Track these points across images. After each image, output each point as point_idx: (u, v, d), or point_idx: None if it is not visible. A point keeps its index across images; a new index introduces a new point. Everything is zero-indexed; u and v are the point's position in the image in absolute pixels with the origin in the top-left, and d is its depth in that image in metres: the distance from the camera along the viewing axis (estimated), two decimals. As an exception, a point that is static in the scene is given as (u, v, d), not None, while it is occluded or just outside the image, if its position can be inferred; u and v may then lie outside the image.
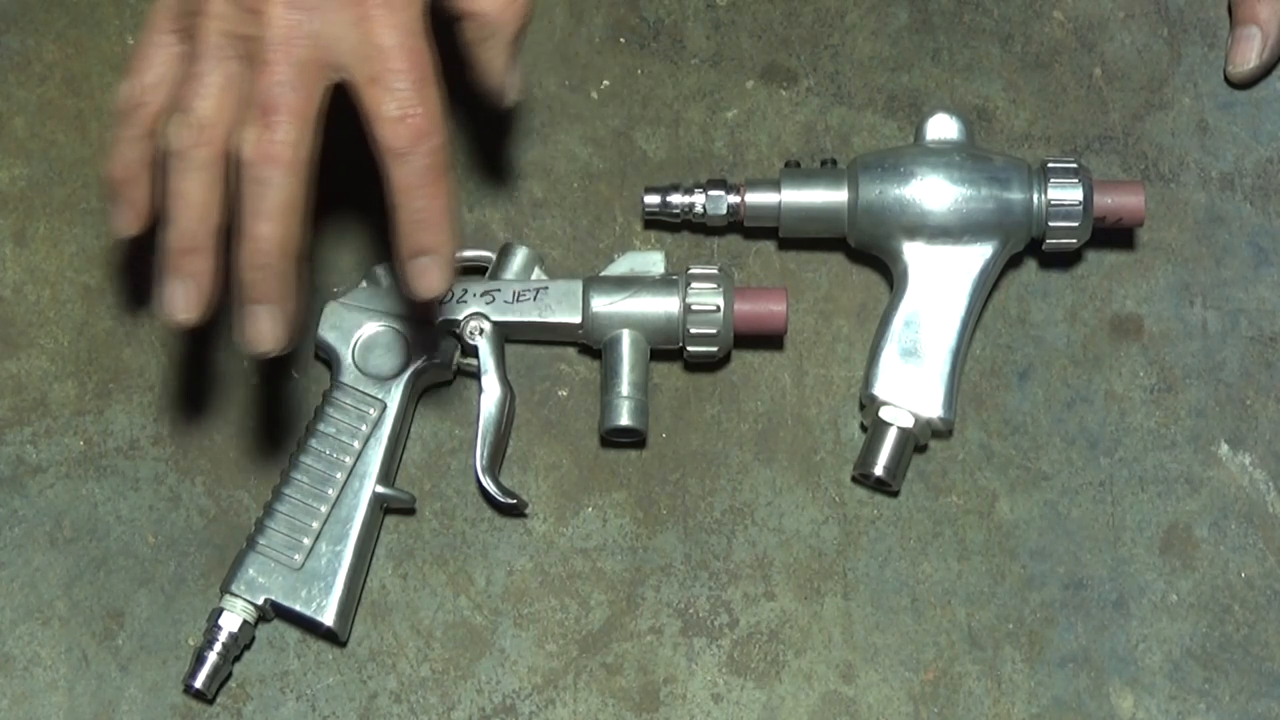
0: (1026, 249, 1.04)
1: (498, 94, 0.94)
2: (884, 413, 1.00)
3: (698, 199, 1.04)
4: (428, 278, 0.88)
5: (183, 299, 0.87)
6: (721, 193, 1.03)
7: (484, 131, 1.07)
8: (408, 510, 1.01)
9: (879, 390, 1.01)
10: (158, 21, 0.88)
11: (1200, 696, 1.00)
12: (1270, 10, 1.06)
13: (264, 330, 0.87)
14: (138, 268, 1.04)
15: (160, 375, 1.03)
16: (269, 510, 0.98)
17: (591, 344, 1.02)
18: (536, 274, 1.02)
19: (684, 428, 1.03)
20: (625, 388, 1.00)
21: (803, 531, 1.02)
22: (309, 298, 1.02)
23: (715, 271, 1.01)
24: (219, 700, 0.98)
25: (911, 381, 1.01)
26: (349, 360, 1.00)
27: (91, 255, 1.04)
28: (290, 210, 0.84)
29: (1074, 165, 1.02)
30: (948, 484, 1.02)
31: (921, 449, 1.02)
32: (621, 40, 1.08)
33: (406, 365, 1.00)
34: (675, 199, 1.04)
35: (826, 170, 1.04)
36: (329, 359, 1.01)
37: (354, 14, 0.84)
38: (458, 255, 0.91)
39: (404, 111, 0.85)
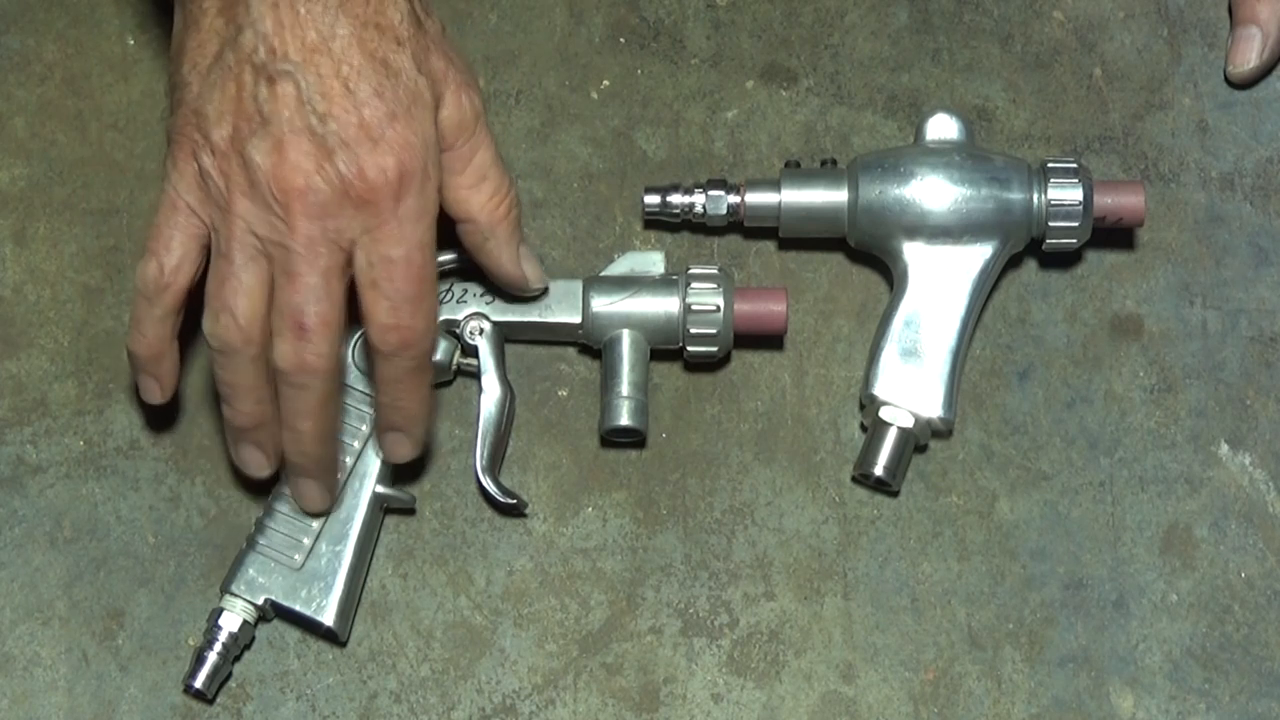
0: (1026, 249, 1.04)
1: (520, 285, 0.98)
2: (884, 413, 1.00)
3: (698, 199, 1.04)
4: (399, 449, 0.97)
5: (257, 460, 0.96)
6: (721, 193, 1.03)
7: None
8: (408, 510, 1.01)
9: (879, 390, 1.01)
10: (177, 203, 0.91)
11: (1200, 696, 1.00)
12: (1270, 10, 1.06)
13: (314, 497, 0.97)
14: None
15: (160, 375, 1.03)
16: (269, 510, 0.98)
17: (591, 344, 1.02)
18: (536, 274, 1.03)
19: (684, 428, 1.03)
20: (625, 388, 1.00)
21: (803, 531, 1.02)
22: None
23: (715, 271, 1.01)
24: (219, 700, 0.98)
25: (911, 381, 1.01)
26: (349, 360, 1.00)
27: (91, 255, 1.04)
28: (326, 405, 0.92)
29: (1074, 165, 1.02)
30: (948, 484, 1.02)
31: (921, 449, 1.02)
32: (621, 40, 1.08)
33: (406, 365, 1.00)
34: (675, 199, 1.04)
35: (826, 170, 1.04)
36: (329, 359, 1.01)
37: (367, 223, 0.89)
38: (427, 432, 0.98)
39: (396, 321, 0.90)
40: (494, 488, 0.99)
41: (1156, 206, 1.06)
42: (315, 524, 0.98)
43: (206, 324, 0.91)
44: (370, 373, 0.95)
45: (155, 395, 0.96)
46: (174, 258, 0.92)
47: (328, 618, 0.97)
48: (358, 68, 0.88)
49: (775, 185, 1.03)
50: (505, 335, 1.02)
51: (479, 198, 0.93)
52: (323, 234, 0.88)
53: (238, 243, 0.89)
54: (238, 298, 0.90)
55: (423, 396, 0.94)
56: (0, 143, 1.06)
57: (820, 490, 1.02)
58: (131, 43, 1.07)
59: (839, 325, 1.05)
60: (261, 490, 1.00)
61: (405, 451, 0.97)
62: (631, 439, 1.01)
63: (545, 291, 1.00)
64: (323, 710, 0.99)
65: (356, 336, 1.00)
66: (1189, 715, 0.99)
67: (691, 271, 1.01)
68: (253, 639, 0.99)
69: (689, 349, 1.01)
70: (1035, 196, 1.01)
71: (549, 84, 1.08)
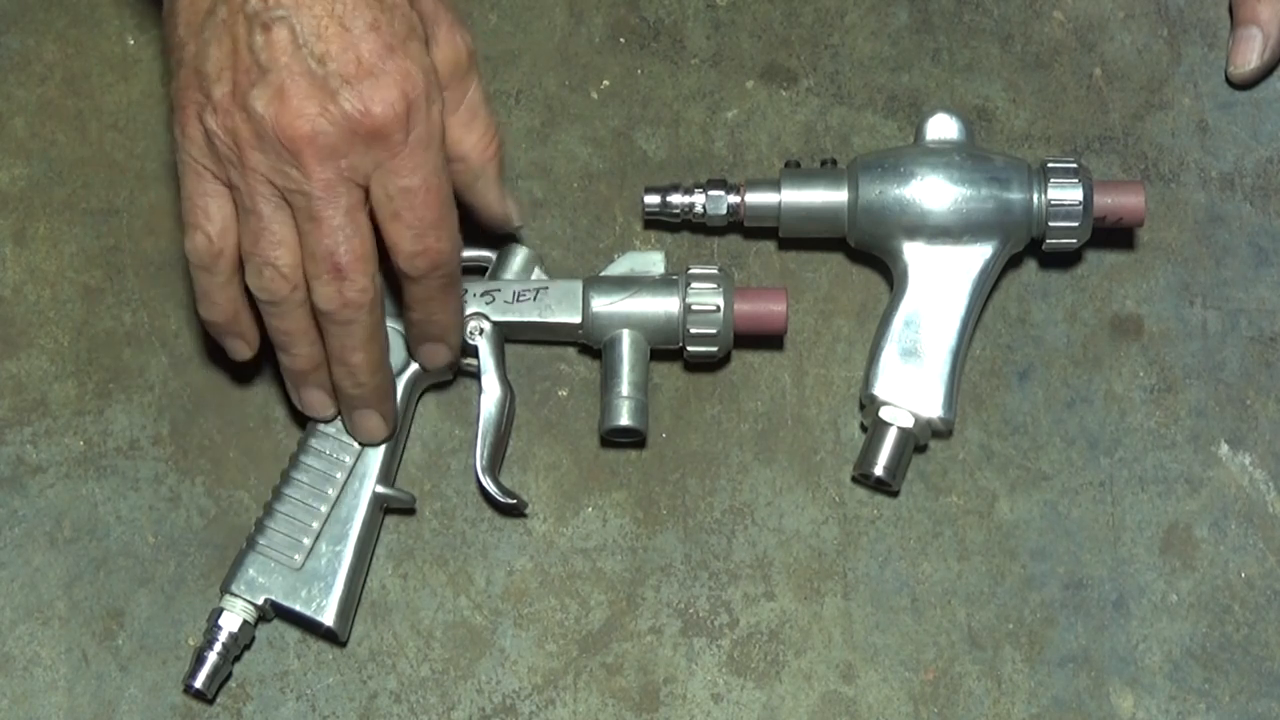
0: (1026, 249, 1.04)
1: (503, 222, 1.00)
2: (884, 413, 1.00)
3: (698, 199, 1.04)
4: (437, 357, 0.98)
5: (321, 401, 0.97)
6: (721, 193, 1.03)
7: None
8: (408, 510, 1.01)
9: (879, 390, 1.01)
10: (197, 169, 0.91)
11: (1200, 696, 1.00)
12: (1271, 11, 1.06)
13: (372, 428, 0.97)
14: (138, 268, 1.04)
15: (160, 375, 1.03)
16: (269, 510, 0.98)
17: (591, 344, 1.02)
18: (536, 274, 1.02)
19: (684, 428, 1.03)
20: (625, 388, 1.00)
21: (803, 531, 1.02)
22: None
23: (715, 271, 1.01)
24: (219, 700, 0.98)
25: (911, 381, 1.01)
26: None
27: (91, 255, 1.04)
28: (374, 335, 0.93)
29: (1074, 165, 1.02)
30: (948, 484, 1.02)
31: (921, 449, 1.02)
32: (621, 40, 1.08)
33: (406, 365, 1.00)
34: (675, 199, 1.04)
35: (826, 170, 1.04)
36: (329, 359, 1.01)
37: (379, 157, 0.89)
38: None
39: (423, 246, 0.91)
40: (494, 488, 0.99)
41: (1156, 206, 1.06)
42: (315, 524, 0.98)
43: (251, 280, 0.91)
44: (397, 294, 0.95)
45: (244, 352, 0.97)
46: (216, 224, 0.91)
47: (328, 618, 0.97)
48: (351, 5, 0.88)
49: (775, 185, 1.03)
50: (505, 335, 1.02)
51: (471, 137, 0.94)
52: (338, 174, 0.88)
53: (260, 196, 0.89)
54: (277, 249, 0.90)
55: (455, 307, 0.96)
56: (0, 143, 1.06)
57: (820, 490, 1.02)
58: (131, 43, 1.07)
59: (839, 325, 1.05)
60: (261, 490, 1.01)
61: (443, 358, 0.98)
62: (631, 439, 1.01)
63: (521, 228, 1.01)
64: (323, 710, 0.99)
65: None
66: (1189, 715, 0.99)
67: (691, 271, 1.01)
68: (253, 639, 0.99)
69: (689, 349, 1.01)
70: (1035, 196, 1.01)
71: (549, 84, 1.08)
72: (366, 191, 0.90)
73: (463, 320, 0.98)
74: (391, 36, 0.88)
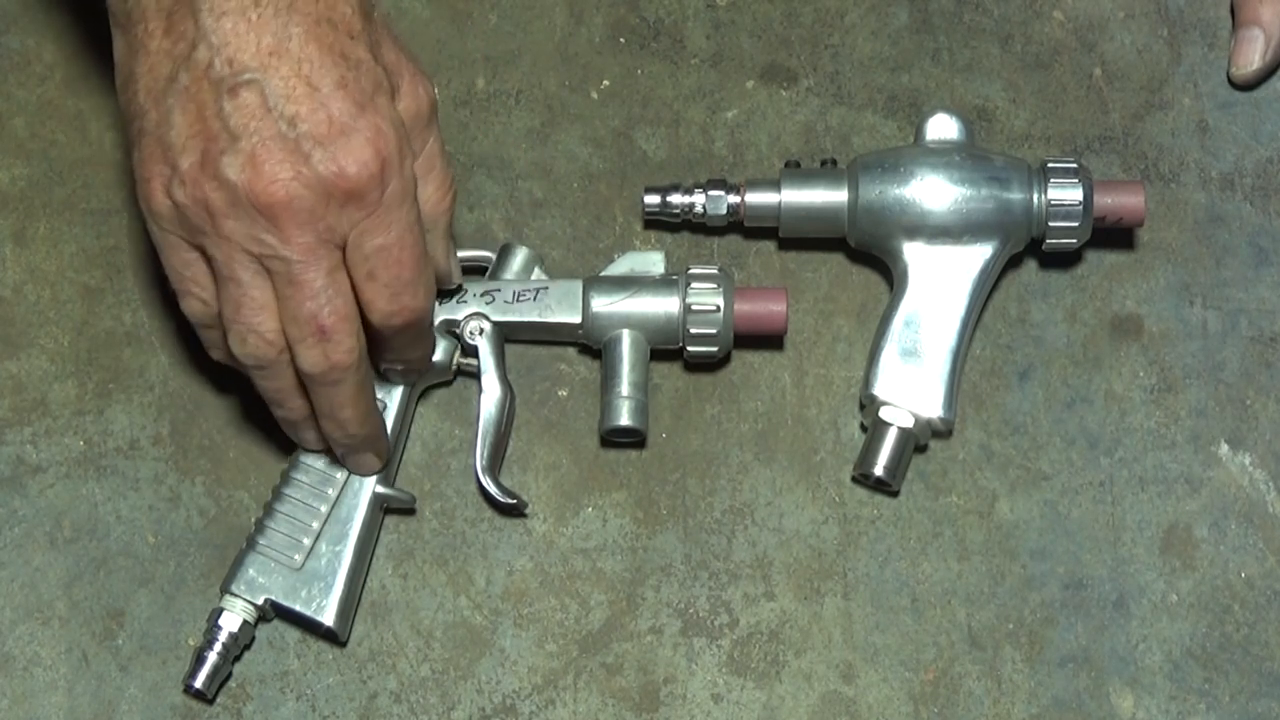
0: (1026, 249, 1.04)
1: (443, 278, 0.98)
2: (884, 413, 1.00)
3: (698, 199, 1.04)
4: (366, 466, 0.98)
5: (319, 439, 0.97)
6: (721, 193, 1.03)
7: (484, 131, 1.07)
8: (408, 510, 1.01)
9: (879, 390, 1.01)
10: (172, 241, 0.90)
11: (1200, 696, 1.00)
12: (1272, 11, 1.06)
13: (370, 464, 0.98)
14: (138, 268, 1.04)
15: (160, 375, 1.03)
16: (269, 510, 0.98)
17: (591, 344, 1.02)
18: (536, 274, 1.02)
19: (684, 428, 1.03)
20: (625, 388, 1.00)
21: (803, 531, 1.02)
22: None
23: (715, 271, 1.01)
24: (219, 700, 0.98)
25: (911, 381, 1.01)
26: None
27: (91, 255, 1.04)
28: (362, 390, 0.93)
29: (1074, 165, 1.02)
30: (948, 484, 1.02)
31: (921, 449, 1.02)
32: (621, 40, 1.08)
33: (406, 365, 1.00)
34: (675, 199, 1.04)
35: (826, 170, 1.04)
36: (329, 359, 1.01)
37: (354, 217, 0.88)
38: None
39: (399, 306, 0.90)
40: (494, 488, 0.99)
41: (1156, 206, 1.06)
42: (315, 524, 0.98)
43: (236, 348, 0.90)
44: (370, 340, 0.94)
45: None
46: (207, 289, 0.91)
47: (328, 618, 0.97)
48: (318, 64, 0.86)
49: (775, 185, 1.03)
50: (505, 335, 1.02)
51: (428, 189, 0.92)
52: (317, 238, 0.87)
53: (237, 264, 0.88)
54: (258, 315, 0.89)
55: (426, 346, 0.97)
56: (0, 143, 1.06)
57: (820, 490, 1.02)
58: (132, 43, 1.07)
59: (839, 325, 1.05)
60: (261, 490, 1.01)
61: (369, 466, 0.98)
62: (631, 439, 1.01)
63: (461, 289, 1.01)
64: (323, 710, 0.99)
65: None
66: (1189, 715, 0.99)
67: (691, 271, 1.01)
68: (253, 639, 0.99)
69: (689, 349, 1.01)
70: (1035, 196, 1.01)
71: (549, 84, 1.08)
72: (343, 251, 0.89)
73: (432, 352, 0.99)
74: (360, 93, 0.87)
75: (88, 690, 0.98)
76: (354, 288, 0.90)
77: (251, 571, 0.97)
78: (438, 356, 1.00)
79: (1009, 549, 1.01)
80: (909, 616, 1.00)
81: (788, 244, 1.06)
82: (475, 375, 1.01)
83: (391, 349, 0.95)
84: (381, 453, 0.97)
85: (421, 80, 0.91)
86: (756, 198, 1.03)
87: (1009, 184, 1.01)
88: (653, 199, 1.04)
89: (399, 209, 0.88)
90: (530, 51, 1.08)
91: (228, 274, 0.88)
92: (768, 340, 1.04)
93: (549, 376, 1.03)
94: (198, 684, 0.97)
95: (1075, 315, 1.05)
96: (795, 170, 1.04)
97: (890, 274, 1.03)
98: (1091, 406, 1.03)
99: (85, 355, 1.03)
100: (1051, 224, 1.02)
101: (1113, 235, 1.05)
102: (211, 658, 0.97)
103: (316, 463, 0.98)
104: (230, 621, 0.97)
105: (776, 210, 1.03)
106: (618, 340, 1.00)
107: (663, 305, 1.00)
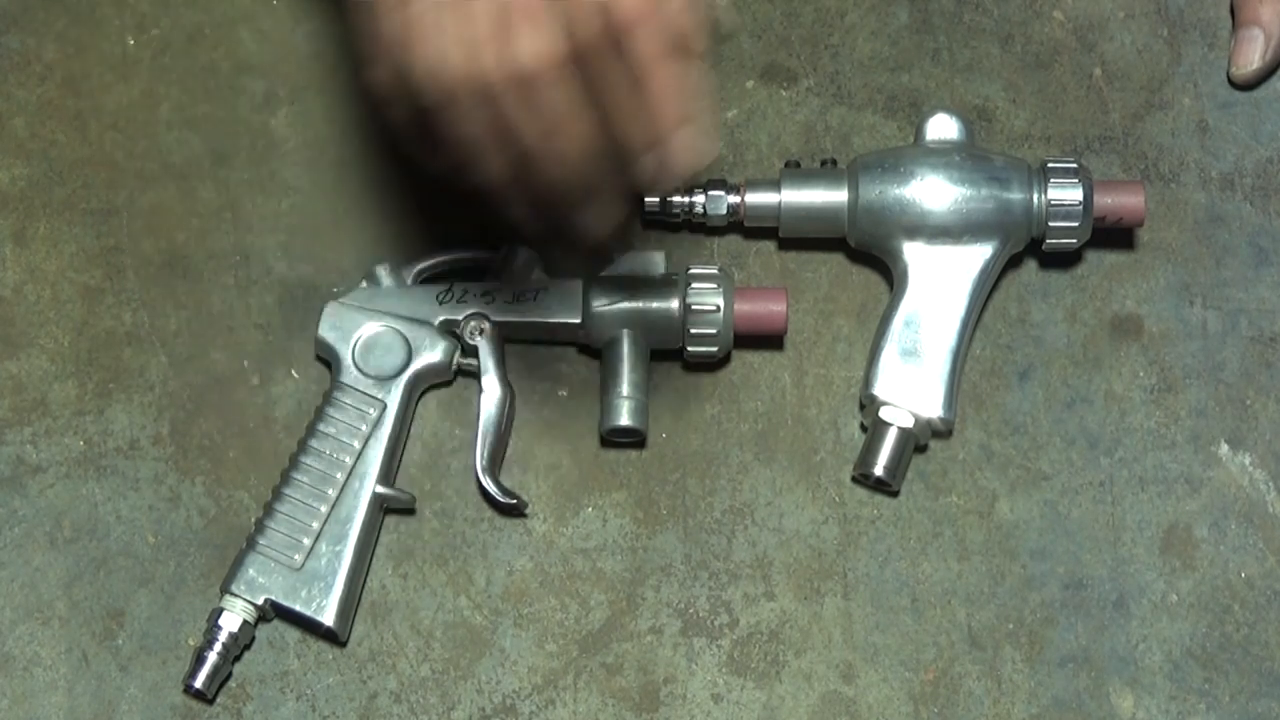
0: (1026, 249, 1.04)
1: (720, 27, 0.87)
2: (884, 413, 1.00)
3: (698, 199, 1.04)
4: (690, 155, 0.83)
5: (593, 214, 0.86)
6: (721, 193, 1.03)
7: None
8: (408, 510, 1.01)
9: (879, 390, 1.01)
10: None
11: (1200, 696, 1.00)
12: (1272, 11, 1.06)
13: (698, 145, 0.82)
14: (138, 268, 1.04)
15: (160, 375, 1.03)
16: (269, 510, 0.98)
17: (591, 344, 1.02)
18: (536, 274, 1.02)
19: (684, 428, 1.03)
20: (625, 388, 1.00)
21: (803, 531, 1.01)
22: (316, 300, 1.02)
23: (715, 271, 1.01)
24: (219, 700, 0.98)
25: (911, 381, 1.01)
26: (349, 360, 1.00)
27: (91, 255, 1.04)
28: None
29: (1074, 165, 1.02)
30: (948, 484, 1.02)
31: (921, 449, 1.02)
32: (621, 40, 1.08)
33: (406, 365, 1.00)
34: (675, 199, 1.04)
35: (826, 170, 1.04)
36: (329, 359, 1.01)
37: None
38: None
39: None
40: (494, 488, 0.99)
41: (1156, 206, 1.06)
42: (315, 524, 0.98)
43: (421, 70, 0.80)
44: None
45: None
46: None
47: (328, 618, 0.97)
48: None
49: (775, 185, 1.03)
50: (505, 335, 1.02)
51: None
52: None
53: None
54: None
55: (681, 84, 0.80)
56: (0, 143, 1.06)
57: (820, 490, 1.02)
58: (131, 43, 1.07)
59: (839, 325, 1.05)
60: (261, 490, 1.01)
61: (686, 160, 0.82)
62: (631, 439, 1.01)
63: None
64: (323, 710, 0.99)
65: (356, 337, 1.00)
66: (1189, 715, 0.99)
67: (691, 271, 1.01)
68: (253, 639, 0.99)
69: (689, 349, 1.01)
70: (1035, 196, 1.01)
71: (549, 84, 1.07)
72: None
73: (696, 108, 0.82)
74: None
75: (88, 690, 0.98)
76: None
77: (251, 571, 0.97)
78: (438, 357, 1.00)
79: (1009, 549, 1.01)
80: (909, 616, 1.00)
81: (788, 244, 1.06)
82: (475, 375, 1.01)
83: (643, 69, 0.79)
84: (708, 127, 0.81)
85: None
86: (756, 198, 1.03)
87: (1009, 184, 1.01)
88: (653, 199, 1.04)
89: None
90: (530, 51, 1.08)
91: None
92: (768, 340, 1.04)
93: (549, 376, 1.03)
94: (198, 684, 0.97)
95: (1075, 315, 1.05)
96: (795, 170, 1.04)
97: (890, 274, 1.03)
98: (1091, 406, 1.03)
99: (85, 355, 1.03)
100: (1051, 224, 1.02)
101: (1113, 235, 1.05)
102: (211, 658, 0.97)
103: (316, 463, 0.98)
104: (230, 621, 0.97)
105: (776, 210, 1.03)
106: (618, 340, 1.00)
107: (663, 305, 1.00)
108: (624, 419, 0.99)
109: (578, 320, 1.01)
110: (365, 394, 0.99)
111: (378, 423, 0.99)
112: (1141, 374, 1.04)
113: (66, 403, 1.02)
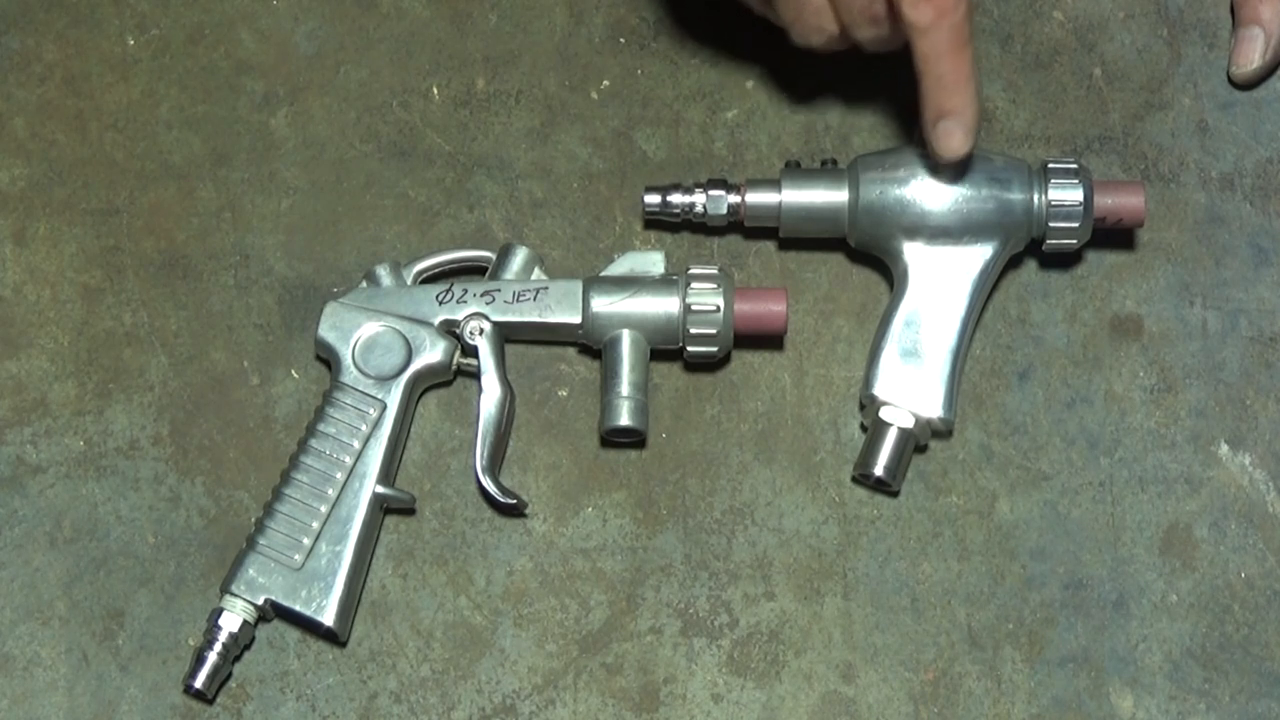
0: (1026, 249, 1.04)
1: None
2: (884, 413, 1.00)
3: (698, 199, 1.04)
4: (951, 140, 0.95)
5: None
6: (721, 193, 1.03)
7: (484, 131, 1.07)
8: (408, 510, 1.01)
9: (879, 390, 1.01)
10: None
11: (1200, 696, 1.00)
12: (1272, 11, 1.06)
13: (954, 140, 0.96)
14: (138, 268, 1.04)
15: (160, 375, 1.03)
16: (269, 510, 0.98)
17: (591, 344, 1.02)
18: (536, 274, 1.02)
19: (684, 428, 1.03)
20: (625, 388, 1.00)
21: (803, 531, 1.02)
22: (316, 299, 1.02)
23: (715, 271, 1.01)
24: (219, 700, 0.98)
25: (911, 381, 1.01)
26: (349, 360, 1.00)
27: (91, 255, 1.04)
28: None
29: (1074, 165, 1.02)
30: (948, 484, 1.02)
31: (921, 449, 1.02)
32: (621, 40, 1.08)
33: (406, 365, 1.00)
34: (675, 199, 1.04)
35: (826, 170, 1.04)
36: (329, 359, 1.01)
37: None
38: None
39: None
40: (494, 488, 0.99)
41: (1156, 206, 1.06)
42: (315, 524, 0.98)
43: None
44: (912, 62, 0.93)
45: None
46: None
47: (328, 618, 0.97)
48: None
49: (775, 185, 1.03)
50: (505, 335, 1.02)
51: None
52: None
53: None
54: None
55: (968, 71, 0.93)
56: (0, 143, 1.06)
57: (820, 490, 1.02)
58: (131, 43, 1.07)
59: (839, 325, 1.05)
60: (261, 490, 1.01)
61: (958, 142, 0.96)
62: (631, 439, 1.01)
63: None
64: (323, 710, 0.99)
65: (356, 337, 1.00)
66: (1189, 715, 0.99)
67: (691, 271, 1.01)
68: (253, 639, 0.99)
69: (689, 349, 1.01)
70: (1035, 197, 1.01)
71: (549, 84, 1.08)
72: None
73: (978, 98, 0.95)
74: None
75: (88, 690, 0.98)
76: None
77: (251, 571, 0.97)
78: (438, 357, 1.00)
79: (1009, 549, 1.01)
80: (909, 616, 1.00)
81: (788, 244, 1.06)
82: (475, 375, 1.01)
83: (929, 60, 0.93)
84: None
85: None
86: (756, 198, 1.03)
87: (1009, 184, 1.01)
88: (653, 199, 1.04)
89: None
90: (530, 51, 1.08)
91: None
92: (768, 340, 1.04)
93: (549, 376, 1.03)
94: (198, 684, 0.97)
95: (1075, 315, 1.05)
96: (795, 170, 1.04)
97: (890, 274, 1.03)
98: (1091, 406, 1.03)
99: (85, 355, 1.03)
100: (1052, 224, 1.02)
101: (1113, 235, 1.05)
102: (211, 658, 0.97)
103: (316, 463, 0.98)
104: (230, 621, 0.97)
105: (777, 210, 1.03)
106: (618, 340, 1.00)
107: (663, 305, 1.00)
108: (624, 419, 0.99)
109: (578, 320, 1.01)
110: (365, 394, 0.99)
111: (378, 423, 0.99)
112: (1141, 374, 1.04)
113: (66, 403, 1.02)
